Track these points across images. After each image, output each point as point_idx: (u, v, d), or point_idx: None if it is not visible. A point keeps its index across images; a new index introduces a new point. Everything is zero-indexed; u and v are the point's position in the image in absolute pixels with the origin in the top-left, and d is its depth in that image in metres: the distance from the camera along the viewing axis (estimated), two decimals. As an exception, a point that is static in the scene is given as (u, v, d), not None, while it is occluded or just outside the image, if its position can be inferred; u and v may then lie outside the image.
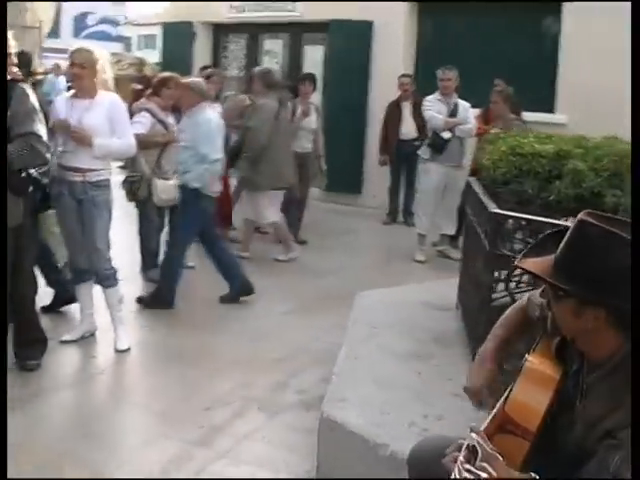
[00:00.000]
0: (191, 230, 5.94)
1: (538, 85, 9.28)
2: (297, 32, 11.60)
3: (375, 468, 3.04)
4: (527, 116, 8.26)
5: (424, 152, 8.19)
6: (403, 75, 9.61)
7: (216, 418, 4.13)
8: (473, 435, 1.86)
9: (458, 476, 1.78)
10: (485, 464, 1.78)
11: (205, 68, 9.43)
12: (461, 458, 1.83)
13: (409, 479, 2.42)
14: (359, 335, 4.45)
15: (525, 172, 3.83)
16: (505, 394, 2.28)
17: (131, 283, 6.31)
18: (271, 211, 7.53)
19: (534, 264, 2.07)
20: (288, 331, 5.62)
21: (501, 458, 1.87)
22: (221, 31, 12.72)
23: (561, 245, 2.00)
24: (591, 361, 2.06)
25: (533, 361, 2.16)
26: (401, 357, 4.06)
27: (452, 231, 8.19)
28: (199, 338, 5.34)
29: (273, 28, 11.84)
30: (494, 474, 1.75)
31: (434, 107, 7.96)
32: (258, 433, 4.02)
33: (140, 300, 5.95)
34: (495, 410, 2.17)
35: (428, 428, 3.18)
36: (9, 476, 2.95)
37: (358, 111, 10.60)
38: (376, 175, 10.35)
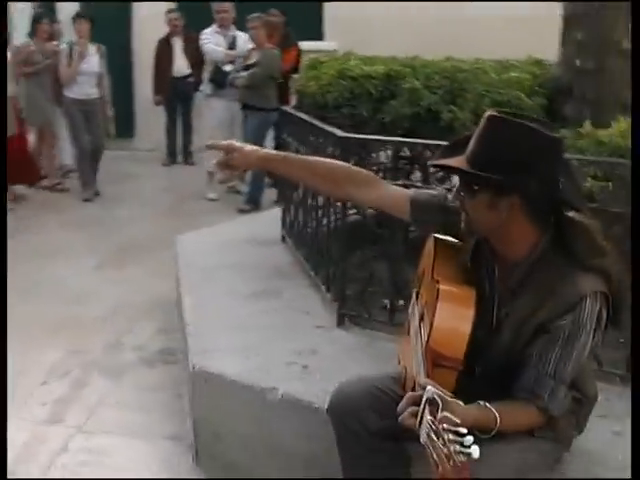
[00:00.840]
0: None
1: (307, 17, 9.48)
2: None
3: (266, 415, 2.90)
4: (303, 45, 8.32)
5: (206, 88, 7.96)
6: (170, 10, 9.20)
7: (57, 391, 3.80)
8: (429, 387, 1.78)
9: (434, 436, 1.66)
10: (447, 413, 1.70)
11: None
12: (429, 417, 1.72)
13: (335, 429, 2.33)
14: (195, 280, 4.23)
15: (357, 95, 3.79)
16: (418, 330, 2.23)
17: None
18: None
19: (448, 162, 2.08)
20: (104, 287, 5.27)
21: (462, 403, 1.82)
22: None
23: (471, 142, 2.00)
24: (508, 262, 2.06)
25: (443, 282, 2.10)
26: (248, 297, 3.90)
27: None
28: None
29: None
30: (458, 421, 1.67)
31: (212, 40, 7.73)
32: (108, 399, 3.75)
33: None
34: (423, 350, 2.09)
35: (308, 364, 3.08)
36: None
37: (121, 51, 10.02)
38: (148, 116, 9.96)
